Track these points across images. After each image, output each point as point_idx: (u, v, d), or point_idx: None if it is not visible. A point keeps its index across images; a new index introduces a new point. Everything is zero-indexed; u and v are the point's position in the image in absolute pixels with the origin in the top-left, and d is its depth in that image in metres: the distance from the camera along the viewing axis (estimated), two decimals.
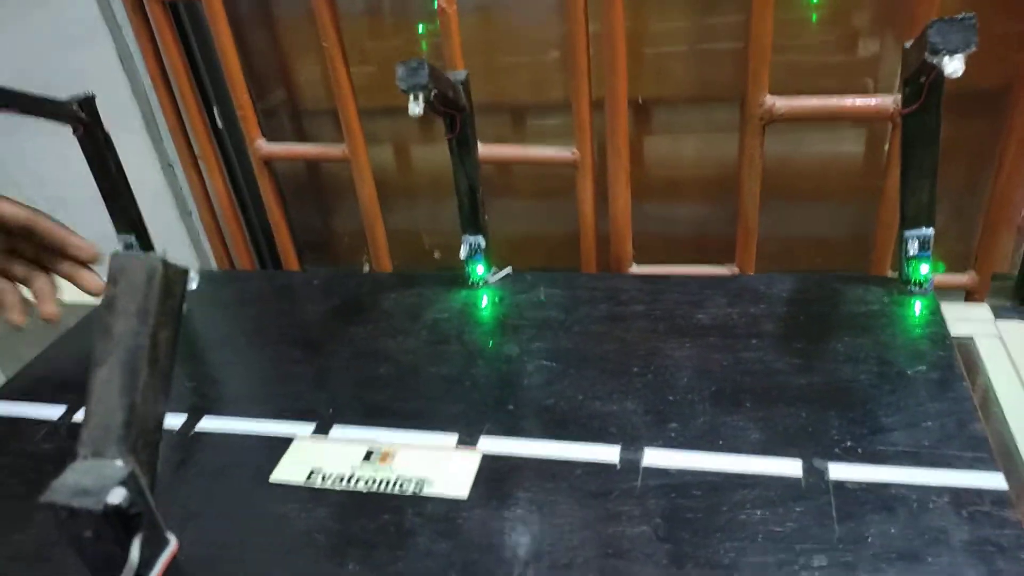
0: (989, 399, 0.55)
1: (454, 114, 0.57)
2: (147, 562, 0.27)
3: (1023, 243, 0.76)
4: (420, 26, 0.80)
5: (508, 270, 0.66)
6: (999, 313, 0.62)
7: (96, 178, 0.71)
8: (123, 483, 0.25)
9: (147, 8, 0.81)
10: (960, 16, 0.42)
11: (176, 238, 0.99)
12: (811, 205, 0.83)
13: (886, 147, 0.73)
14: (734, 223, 0.76)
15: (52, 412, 0.58)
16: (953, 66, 0.42)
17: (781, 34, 0.67)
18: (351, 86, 0.78)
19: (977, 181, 0.75)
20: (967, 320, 0.62)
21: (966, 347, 0.59)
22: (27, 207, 0.59)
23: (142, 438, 0.27)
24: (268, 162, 0.86)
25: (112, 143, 0.70)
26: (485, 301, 0.64)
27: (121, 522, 0.25)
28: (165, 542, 0.27)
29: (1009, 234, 0.74)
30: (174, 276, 0.28)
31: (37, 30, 0.86)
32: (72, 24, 0.84)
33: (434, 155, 0.91)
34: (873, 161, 0.78)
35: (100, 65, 0.87)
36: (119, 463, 0.26)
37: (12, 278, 0.60)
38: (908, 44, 0.50)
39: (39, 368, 0.65)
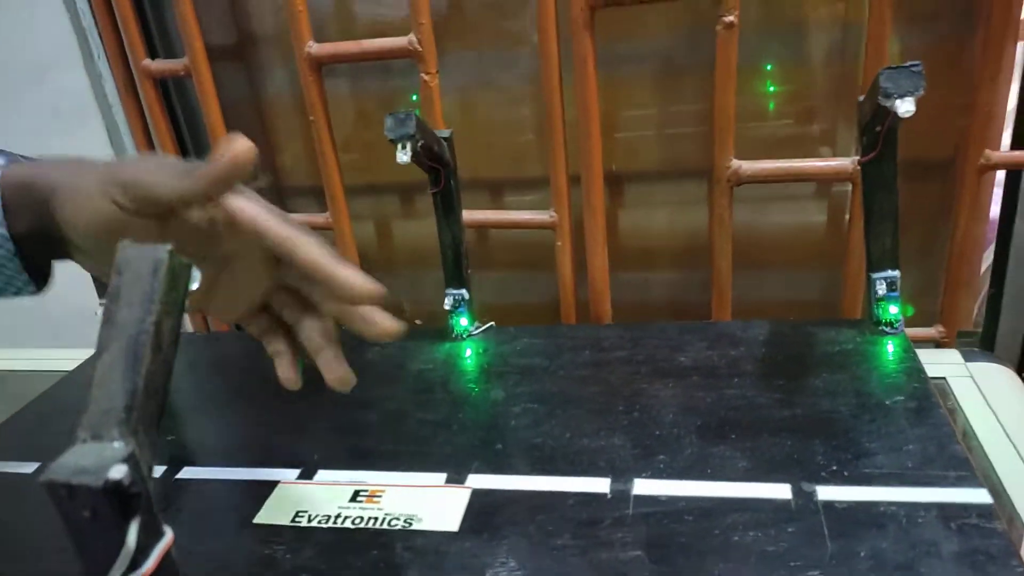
0: (968, 436, 0.56)
1: (439, 168, 0.60)
2: (143, 550, 0.26)
3: (983, 301, 0.80)
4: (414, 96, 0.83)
5: (491, 324, 0.68)
6: (968, 357, 0.64)
7: None
8: (124, 461, 0.25)
9: (138, 85, 0.84)
10: (907, 64, 0.46)
11: None
12: (780, 271, 0.86)
13: (847, 216, 0.77)
14: (707, 289, 0.78)
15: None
16: (905, 107, 0.46)
17: (743, 114, 0.72)
18: (335, 156, 0.81)
19: (935, 243, 0.79)
20: (938, 364, 0.64)
21: (940, 388, 0.61)
22: (289, 223, 0.38)
23: (143, 423, 0.27)
24: None
25: None
26: (469, 352, 0.65)
27: (120, 502, 0.25)
28: (161, 533, 0.27)
29: (969, 292, 0.78)
30: (179, 268, 0.28)
31: (29, 105, 0.89)
32: (63, 99, 0.87)
33: (415, 230, 0.94)
34: (836, 229, 0.81)
35: (89, 141, 0.90)
36: (119, 444, 0.26)
37: (282, 321, 0.43)
38: (861, 98, 0.54)
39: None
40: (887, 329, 0.59)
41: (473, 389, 0.60)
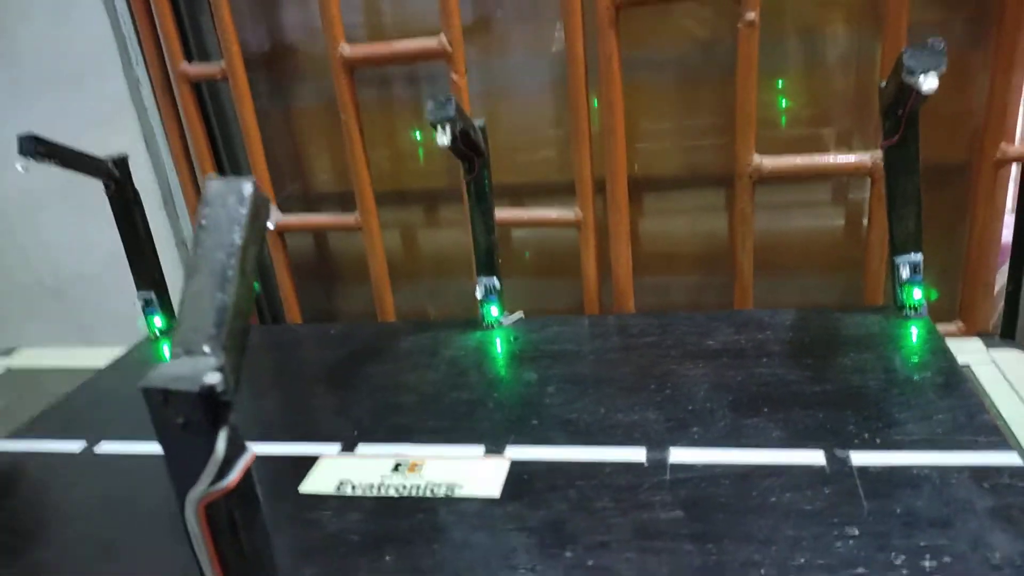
0: (995, 417, 0.57)
1: (473, 157, 0.62)
2: (228, 462, 0.27)
3: (1000, 301, 0.81)
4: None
5: (520, 314, 0.69)
6: (990, 344, 0.65)
7: (122, 235, 0.74)
8: (217, 370, 0.27)
9: (175, 88, 0.87)
10: (929, 42, 0.48)
11: None
12: (800, 276, 0.88)
13: (864, 220, 0.78)
14: (728, 292, 0.80)
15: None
16: (929, 83, 0.47)
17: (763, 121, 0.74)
18: (365, 156, 0.83)
19: (954, 244, 0.80)
20: (961, 352, 0.64)
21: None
22: None
23: (231, 338, 0.28)
24: (282, 234, 0.90)
25: (141, 202, 0.74)
26: (500, 339, 0.66)
27: (212, 408, 0.26)
28: (244, 449, 0.28)
29: (987, 291, 0.79)
30: (260, 201, 0.30)
31: (68, 107, 0.91)
32: (102, 103, 0.90)
33: (438, 237, 0.96)
34: (854, 233, 0.83)
35: (124, 145, 0.92)
36: (212, 357, 0.27)
37: None
38: (883, 83, 0.56)
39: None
40: (911, 313, 0.60)
41: (506, 372, 0.61)
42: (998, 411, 0.58)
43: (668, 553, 0.40)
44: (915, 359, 0.55)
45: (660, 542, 0.41)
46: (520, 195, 0.90)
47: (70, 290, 1.03)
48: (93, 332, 1.02)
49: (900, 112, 0.55)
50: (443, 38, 0.76)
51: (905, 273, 0.59)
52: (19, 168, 0.63)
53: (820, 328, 0.61)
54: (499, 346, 0.65)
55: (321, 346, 0.71)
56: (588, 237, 0.80)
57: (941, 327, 0.76)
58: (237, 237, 0.29)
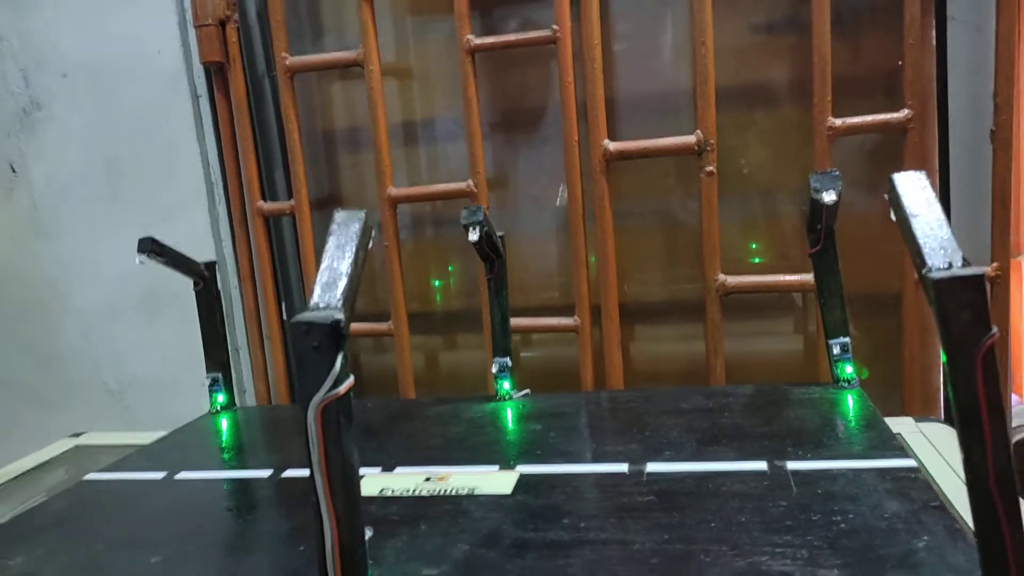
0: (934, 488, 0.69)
1: (494, 258, 0.79)
2: (340, 381, 0.42)
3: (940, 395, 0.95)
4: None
5: (527, 391, 0.83)
6: (919, 420, 0.78)
7: (202, 324, 0.90)
8: (341, 310, 0.42)
9: (249, 222, 1.07)
10: (828, 170, 0.67)
11: None
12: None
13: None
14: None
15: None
16: (829, 197, 0.66)
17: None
18: (401, 275, 1.01)
19: (895, 356, 0.95)
20: (895, 425, 0.77)
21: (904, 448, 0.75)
22: None
23: (347, 300, 0.43)
24: None
25: (220, 299, 0.91)
26: (511, 407, 0.80)
27: (336, 336, 0.41)
28: (349, 375, 0.43)
29: (923, 387, 0.93)
30: (367, 225, 0.47)
31: (160, 237, 1.10)
32: (188, 235, 1.10)
33: (456, 356, 1.12)
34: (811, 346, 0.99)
35: None
36: (336, 309, 0.43)
37: None
38: (803, 208, 0.75)
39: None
40: (845, 384, 0.74)
41: (515, 425, 0.74)
42: (925, 468, 0.70)
43: (642, 519, 0.52)
44: (845, 413, 0.69)
45: (636, 512, 0.53)
46: (528, 315, 1.07)
47: (128, 391, 1.18)
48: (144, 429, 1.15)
49: (819, 226, 0.72)
50: (471, 182, 0.96)
51: (836, 351, 0.74)
52: (138, 262, 0.80)
53: (772, 395, 0.75)
54: (510, 411, 0.79)
55: (361, 412, 0.84)
56: (585, 341, 0.95)
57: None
58: (354, 243, 0.45)
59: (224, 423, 0.87)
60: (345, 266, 0.45)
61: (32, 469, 0.90)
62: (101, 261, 1.16)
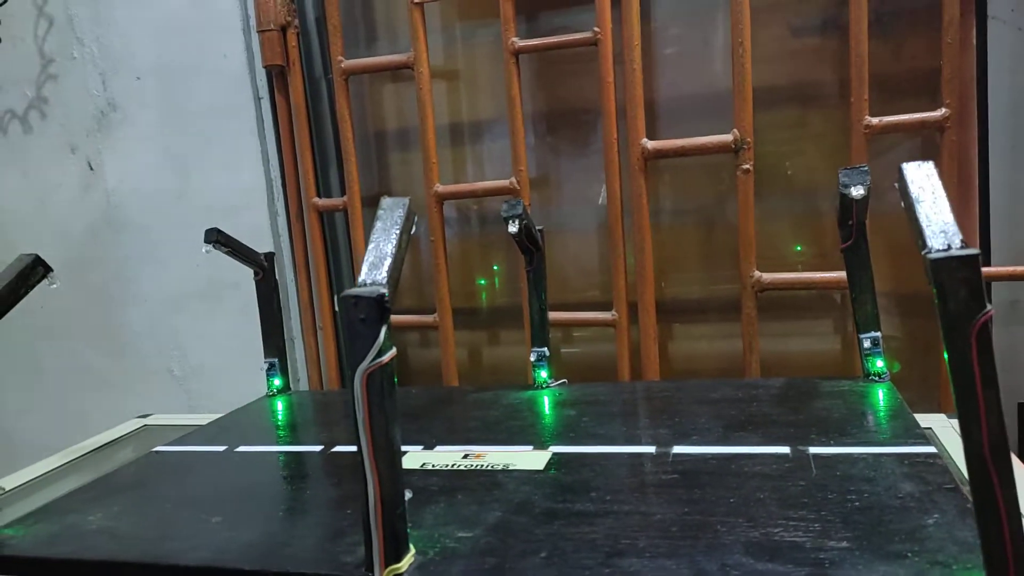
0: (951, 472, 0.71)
1: (533, 251, 0.83)
2: (383, 351, 0.46)
3: None
4: None
5: (564, 381, 0.86)
6: (951, 415, 0.79)
7: (261, 312, 0.95)
8: (384, 288, 0.46)
9: (305, 217, 1.13)
10: (858, 166, 0.69)
11: None
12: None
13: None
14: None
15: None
16: (858, 192, 0.67)
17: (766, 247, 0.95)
18: (446, 267, 1.05)
19: (933, 361, 0.96)
20: (925, 421, 0.79)
21: (928, 434, 0.76)
22: None
23: (391, 276, 0.48)
24: None
25: (278, 289, 0.96)
26: (547, 395, 0.83)
27: (381, 309, 0.45)
28: (391, 348, 0.47)
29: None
30: (411, 210, 0.51)
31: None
32: (247, 232, 1.16)
33: (502, 353, 1.16)
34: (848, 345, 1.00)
35: None
36: (382, 284, 0.47)
37: None
38: (837, 204, 0.76)
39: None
40: (875, 379, 0.75)
41: (551, 411, 0.78)
42: (954, 462, 0.71)
43: (665, 494, 0.55)
44: (872, 404, 0.70)
45: (660, 488, 0.56)
46: (569, 310, 1.11)
47: (190, 377, 1.25)
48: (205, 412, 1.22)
49: (850, 222, 0.74)
50: (513, 179, 1.00)
51: (867, 345, 0.76)
52: (204, 251, 0.87)
53: (802, 387, 0.77)
54: (546, 398, 0.82)
55: (405, 398, 0.88)
56: (623, 336, 0.98)
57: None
58: (398, 226, 0.49)
59: (279, 405, 0.93)
60: (390, 247, 0.49)
61: (102, 446, 0.96)
62: (167, 254, 1.23)
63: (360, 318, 0.46)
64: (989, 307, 0.37)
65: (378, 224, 0.50)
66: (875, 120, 0.87)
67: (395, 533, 0.48)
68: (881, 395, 0.73)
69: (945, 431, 0.76)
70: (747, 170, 0.92)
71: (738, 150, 0.92)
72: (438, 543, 0.51)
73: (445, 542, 0.51)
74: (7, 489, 0.72)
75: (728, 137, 0.92)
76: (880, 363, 0.76)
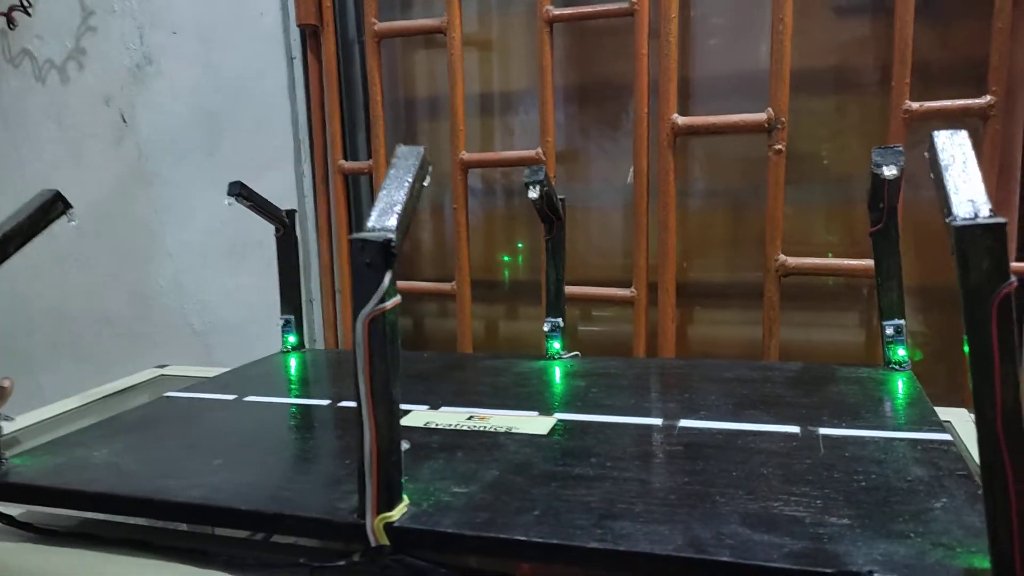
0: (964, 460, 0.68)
1: (553, 220, 0.82)
2: (387, 296, 0.45)
3: None
4: None
5: (577, 353, 0.85)
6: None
7: (280, 269, 0.96)
8: (392, 234, 0.45)
9: (330, 179, 1.13)
10: (891, 146, 0.66)
11: None
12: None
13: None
14: None
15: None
16: (890, 172, 0.65)
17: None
18: (467, 236, 1.05)
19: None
20: (945, 415, 0.76)
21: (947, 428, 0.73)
22: None
23: (400, 222, 0.47)
24: None
25: (297, 246, 0.97)
26: (559, 366, 0.82)
27: (386, 254, 0.45)
28: (395, 293, 0.46)
29: None
30: (426, 161, 0.50)
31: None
32: (272, 191, 1.15)
33: (520, 328, 1.15)
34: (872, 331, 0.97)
35: None
36: (391, 231, 0.46)
37: None
38: (868, 187, 0.74)
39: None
40: (896, 367, 0.73)
41: (561, 380, 0.77)
42: (972, 456, 0.69)
43: (667, 464, 0.54)
44: (890, 392, 0.68)
45: (662, 458, 0.55)
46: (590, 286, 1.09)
47: (211, 332, 1.26)
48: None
49: (881, 205, 0.72)
50: (539, 150, 0.99)
51: (890, 332, 0.73)
52: (226, 203, 0.87)
53: (819, 372, 0.75)
54: (558, 368, 0.81)
55: (416, 362, 0.88)
56: (640, 313, 0.97)
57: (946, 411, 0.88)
58: (411, 174, 0.49)
59: (293, 361, 0.93)
60: (401, 195, 0.48)
61: (118, 392, 0.98)
62: (195, 210, 1.24)
63: (366, 262, 0.45)
64: (1012, 278, 0.35)
65: (391, 171, 0.50)
66: (915, 105, 0.84)
67: (389, 482, 0.47)
68: (900, 384, 0.71)
69: (966, 425, 0.73)
70: (779, 150, 0.89)
71: (771, 130, 0.89)
72: (433, 496, 0.51)
73: (440, 496, 0.51)
74: (14, 417, 0.73)
75: (762, 116, 0.90)
76: (902, 351, 0.74)
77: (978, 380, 0.36)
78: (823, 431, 0.59)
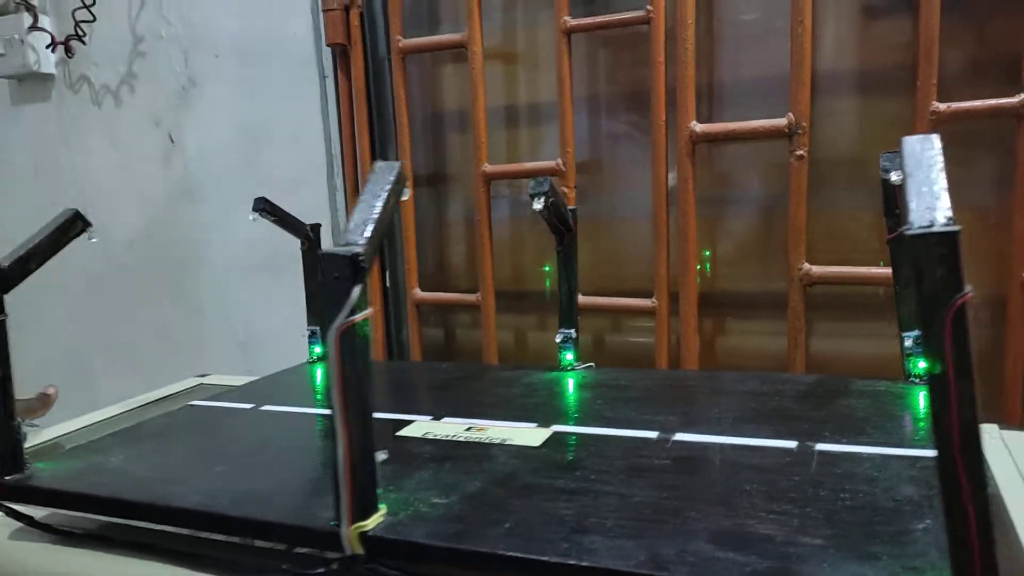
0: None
1: (563, 231, 0.82)
2: (356, 309, 0.46)
3: None
4: None
5: (591, 364, 0.85)
6: (1003, 427, 0.72)
7: (306, 281, 0.99)
8: (362, 248, 0.46)
9: None
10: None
11: None
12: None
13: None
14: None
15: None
16: (897, 177, 0.63)
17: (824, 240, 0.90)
18: (491, 248, 1.05)
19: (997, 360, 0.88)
20: None
21: None
22: None
23: (372, 238, 0.48)
24: (419, 306, 1.12)
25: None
26: (571, 377, 0.82)
27: (354, 269, 0.46)
28: (366, 305, 0.47)
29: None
30: (403, 174, 0.51)
31: (284, 204, 1.22)
32: (306, 205, 1.20)
33: (548, 339, 1.15)
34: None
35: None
36: (360, 244, 0.47)
37: None
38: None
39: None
40: (915, 380, 0.70)
41: (567, 392, 0.77)
42: (996, 483, 0.65)
43: (651, 478, 0.53)
44: (904, 406, 0.65)
45: (647, 472, 0.54)
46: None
47: (252, 343, 1.31)
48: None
49: (897, 211, 0.69)
50: (559, 161, 0.99)
51: (909, 344, 0.70)
52: (251, 218, 0.90)
53: (833, 385, 0.72)
54: (569, 380, 0.81)
55: (433, 372, 0.90)
56: (662, 324, 0.96)
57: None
58: (386, 190, 0.50)
59: (319, 372, 0.96)
60: (376, 210, 0.49)
61: (158, 399, 1.02)
62: (236, 225, 1.29)
63: (335, 275, 0.46)
64: (967, 288, 0.33)
65: (367, 187, 0.51)
66: (943, 106, 0.81)
67: (364, 491, 0.48)
68: (920, 398, 0.68)
69: (992, 443, 0.70)
70: (801, 156, 0.87)
71: (792, 135, 0.87)
72: (411, 506, 0.51)
73: (419, 506, 0.51)
74: (38, 425, 0.80)
75: (782, 121, 0.88)
76: (922, 364, 0.70)
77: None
78: (820, 447, 0.57)
